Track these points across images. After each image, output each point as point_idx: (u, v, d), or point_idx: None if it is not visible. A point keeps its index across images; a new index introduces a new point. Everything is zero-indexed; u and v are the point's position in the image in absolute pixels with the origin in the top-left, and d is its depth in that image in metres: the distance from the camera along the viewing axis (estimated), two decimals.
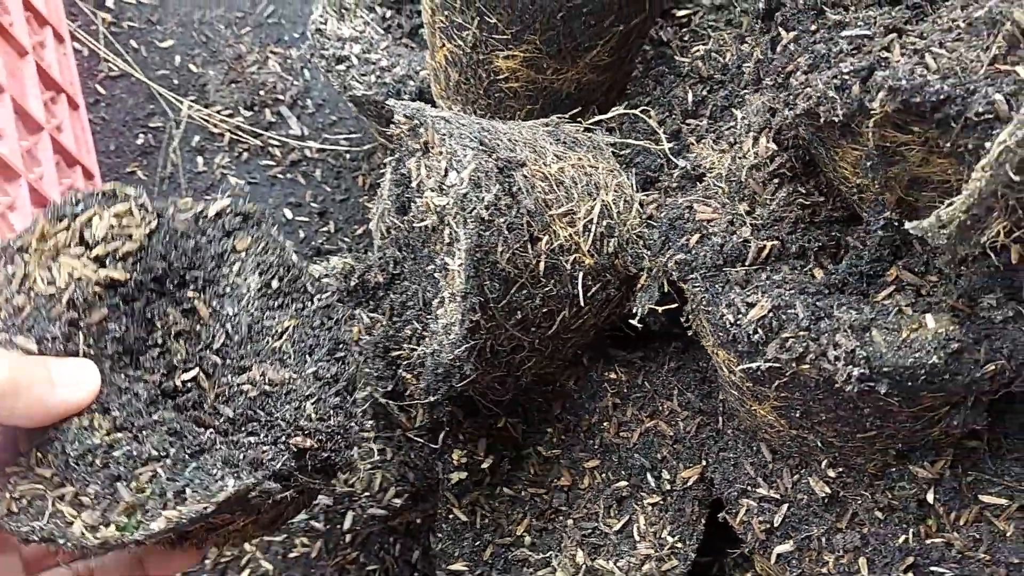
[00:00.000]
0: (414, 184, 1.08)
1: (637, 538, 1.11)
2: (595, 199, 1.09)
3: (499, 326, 1.00)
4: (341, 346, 0.93)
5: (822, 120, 0.74)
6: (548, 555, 1.14)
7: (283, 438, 0.83)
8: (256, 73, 1.92)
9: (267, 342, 0.91)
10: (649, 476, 1.12)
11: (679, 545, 1.08)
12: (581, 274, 1.04)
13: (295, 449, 0.82)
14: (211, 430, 0.84)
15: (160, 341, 0.89)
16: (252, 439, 0.83)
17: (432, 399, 1.04)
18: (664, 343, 1.21)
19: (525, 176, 1.02)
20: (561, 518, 1.18)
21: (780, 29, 0.83)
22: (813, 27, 0.79)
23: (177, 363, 0.88)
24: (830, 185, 0.90)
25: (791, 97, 0.78)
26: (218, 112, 1.87)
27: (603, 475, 1.17)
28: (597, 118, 1.24)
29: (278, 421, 0.84)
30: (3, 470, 0.76)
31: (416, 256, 1.29)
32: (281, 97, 1.89)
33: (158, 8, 2.01)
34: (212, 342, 0.90)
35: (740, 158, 0.93)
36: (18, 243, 0.87)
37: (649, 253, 1.08)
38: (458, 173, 0.98)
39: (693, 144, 1.19)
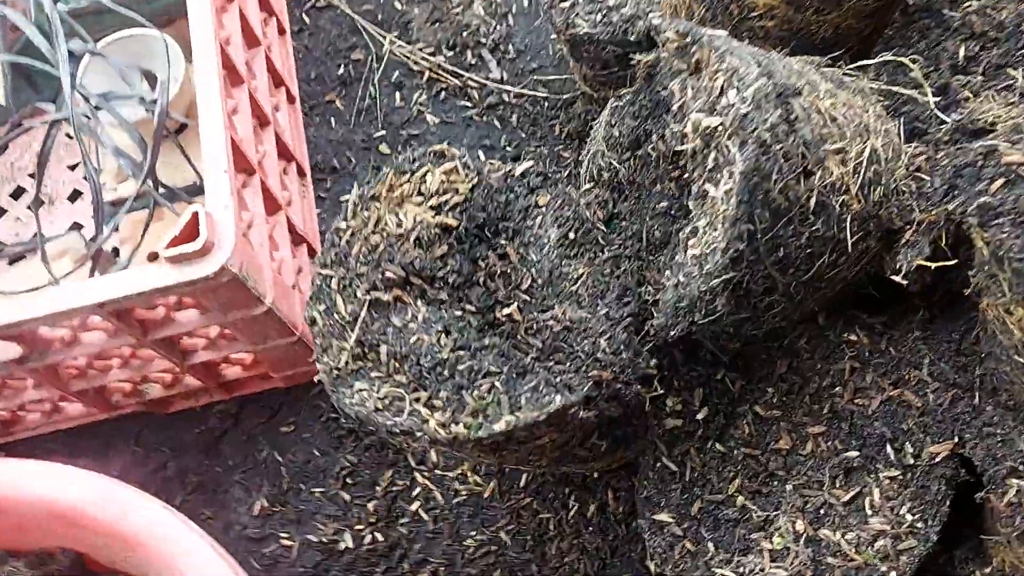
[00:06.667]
0: (675, 107, 1.03)
1: (869, 512, 1.02)
2: (865, 142, 1.01)
3: (759, 261, 0.94)
4: (628, 292, 1.04)
5: None
6: (763, 518, 1.08)
7: (584, 369, 0.96)
8: (460, 14, 1.90)
9: (565, 286, 1.05)
10: (889, 448, 1.04)
11: (920, 524, 0.99)
12: (848, 217, 0.97)
13: (595, 378, 0.95)
14: (529, 356, 0.99)
15: (482, 280, 1.06)
16: (560, 367, 0.97)
17: (672, 335, 0.99)
18: (908, 311, 1.12)
19: (803, 106, 0.95)
20: (777, 483, 1.10)
21: None
22: None
23: (500, 299, 1.05)
24: None
25: None
26: (420, 50, 1.87)
27: (829, 443, 1.09)
28: (860, 63, 1.16)
29: (578, 354, 0.98)
30: (369, 376, 0.96)
31: (641, 195, 1.24)
32: (483, 40, 1.87)
33: None
34: (521, 283, 1.06)
35: None
36: (371, 192, 1.07)
37: (922, 205, 1.00)
38: (739, 92, 0.92)
39: (968, 99, 1.10)
